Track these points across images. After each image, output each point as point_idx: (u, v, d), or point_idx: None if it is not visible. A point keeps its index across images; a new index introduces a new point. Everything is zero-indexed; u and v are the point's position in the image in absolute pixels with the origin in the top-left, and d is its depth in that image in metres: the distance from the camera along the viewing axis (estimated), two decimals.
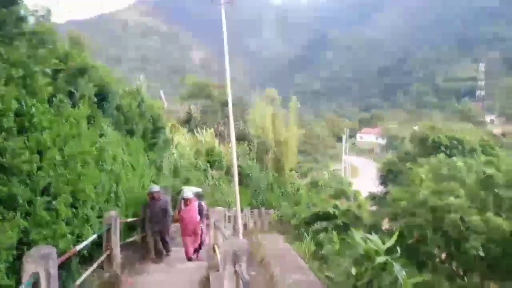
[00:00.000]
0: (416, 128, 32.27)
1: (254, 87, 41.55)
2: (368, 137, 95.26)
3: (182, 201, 8.24)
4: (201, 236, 8.45)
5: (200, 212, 8.25)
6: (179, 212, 8.44)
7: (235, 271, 3.59)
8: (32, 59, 4.05)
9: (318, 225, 14.64)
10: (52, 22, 6.61)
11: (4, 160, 3.30)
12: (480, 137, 25.29)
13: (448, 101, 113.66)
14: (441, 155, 17.73)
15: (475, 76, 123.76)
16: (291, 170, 37.47)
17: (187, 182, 14.44)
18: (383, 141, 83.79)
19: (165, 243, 8.37)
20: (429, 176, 15.79)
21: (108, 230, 6.27)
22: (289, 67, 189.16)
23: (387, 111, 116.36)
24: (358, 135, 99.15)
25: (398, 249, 7.09)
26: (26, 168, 3.81)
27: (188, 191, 8.32)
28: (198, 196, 8.70)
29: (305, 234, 13.25)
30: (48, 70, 4.68)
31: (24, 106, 3.89)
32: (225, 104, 24.51)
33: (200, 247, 8.49)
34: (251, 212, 19.66)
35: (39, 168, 4.15)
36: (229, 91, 9.92)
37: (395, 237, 7.33)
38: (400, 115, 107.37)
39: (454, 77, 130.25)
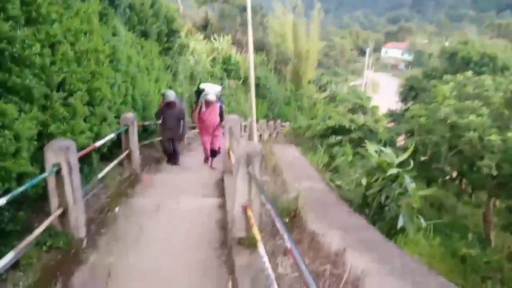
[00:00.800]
0: (447, 43, 30.20)
1: None
2: (394, 51, 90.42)
3: (203, 102, 7.60)
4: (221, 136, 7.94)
5: (221, 114, 7.74)
6: (199, 112, 7.76)
7: (248, 172, 3.66)
8: None
9: (332, 139, 14.75)
10: None
11: (14, 50, 3.20)
12: None
13: (487, 14, 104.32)
14: (469, 72, 16.86)
15: None
16: (309, 83, 36.71)
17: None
18: (409, 57, 79.68)
19: (175, 153, 8.11)
20: (453, 94, 15.24)
21: (126, 131, 6.43)
22: None
23: (417, 24, 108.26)
24: (383, 49, 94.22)
25: (411, 163, 7.15)
26: (39, 61, 3.72)
27: (212, 94, 7.53)
28: (218, 96, 7.90)
29: (319, 146, 13.44)
30: None
31: None
32: (244, 9, 23.03)
33: (217, 151, 8.10)
34: (267, 123, 19.83)
35: (52, 63, 4.05)
36: None
37: (409, 151, 7.35)
38: (431, 29, 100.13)
39: None
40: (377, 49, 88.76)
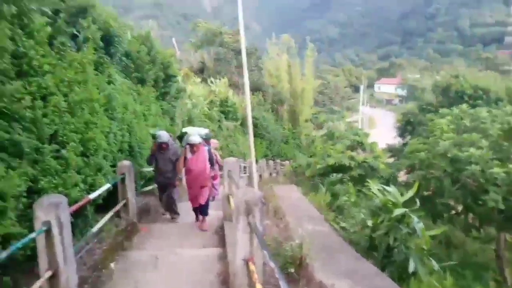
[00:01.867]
0: (438, 77, 30.85)
1: (269, 35, 39.89)
2: (387, 87, 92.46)
3: (187, 147, 6.42)
4: (210, 188, 6.93)
5: (211, 160, 6.58)
6: (184, 161, 6.50)
7: (249, 222, 3.44)
8: None
9: (333, 177, 14.55)
10: None
11: (3, 104, 3.09)
12: (506, 86, 24.03)
13: (473, 48, 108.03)
14: (464, 105, 16.99)
15: (504, 20, 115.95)
16: (306, 121, 37.01)
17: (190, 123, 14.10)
18: (402, 92, 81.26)
19: (171, 202, 7.15)
20: (451, 127, 15.24)
21: (123, 180, 6.23)
22: (304, 12, 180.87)
23: (407, 60, 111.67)
24: (376, 85, 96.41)
25: (417, 201, 6.92)
26: (29, 114, 3.61)
27: (195, 135, 6.44)
28: (207, 139, 6.98)
29: (320, 185, 13.20)
30: (47, 9, 4.31)
31: (21, 47, 3.60)
32: (239, 52, 23.62)
33: (207, 203, 6.74)
34: (267, 163, 19.68)
35: (43, 115, 3.94)
36: (242, 38, 9.34)
37: (414, 189, 7.14)
38: (421, 63, 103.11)
39: (482, 22, 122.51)
40: (370, 85, 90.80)
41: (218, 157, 7.67)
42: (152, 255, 5.02)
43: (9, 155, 3.42)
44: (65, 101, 4.42)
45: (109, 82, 6.61)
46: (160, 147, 6.72)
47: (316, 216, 9.11)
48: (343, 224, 8.20)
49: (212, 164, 6.61)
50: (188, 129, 7.44)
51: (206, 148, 6.56)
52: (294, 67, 35.72)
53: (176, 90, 12.09)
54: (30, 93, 3.67)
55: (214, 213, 7.71)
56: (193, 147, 6.32)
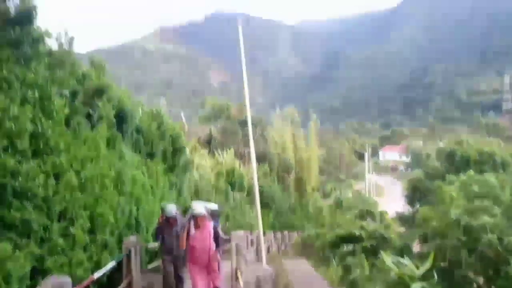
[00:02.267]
0: (441, 143, 31.20)
1: (273, 107, 41.59)
2: (391, 154, 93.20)
3: (192, 221, 5.73)
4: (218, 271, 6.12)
5: (216, 238, 5.82)
6: (187, 237, 5.75)
7: None
8: (49, 80, 3.97)
9: (344, 248, 14.03)
10: (72, 50, 6.66)
11: (17, 184, 3.16)
12: (511, 151, 24.11)
13: (472, 115, 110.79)
14: (471, 171, 16.90)
15: (499, 89, 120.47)
16: (313, 190, 36.75)
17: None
18: (407, 159, 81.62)
19: (180, 281, 6.66)
20: (460, 194, 15.00)
21: (128, 256, 6.06)
22: (306, 86, 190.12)
23: (408, 128, 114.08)
24: (380, 153, 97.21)
25: (435, 274, 6.57)
26: (41, 193, 3.67)
27: (200, 207, 5.78)
28: (213, 215, 6.26)
29: (332, 257, 12.68)
30: (66, 92, 4.61)
31: (39, 128, 3.78)
32: (245, 124, 24.47)
33: None
34: (274, 235, 19.15)
35: (55, 193, 4.00)
36: (248, 110, 9.76)
37: (430, 260, 6.82)
38: (422, 131, 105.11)
39: (477, 90, 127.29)
40: (374, 153, 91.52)
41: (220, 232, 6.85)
42: None
43: (17, 234, 3.40)
44: (76, 177, 4.51)
45: (120, 158, 6.77)
46: (168, 221, 6.30)
47: None
48: None
49: (217, 244, 5.67)
50: (195, 203, 6.66)
51: (211, 224, 5.71)
52: (299, 137, 36.54)
53: (184, 162, 12.27)
54: (44, 172, 3.77)
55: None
56: (197, 220, 5.54)
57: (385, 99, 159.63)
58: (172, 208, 6.38)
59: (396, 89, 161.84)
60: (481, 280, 14.00)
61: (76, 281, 3.99)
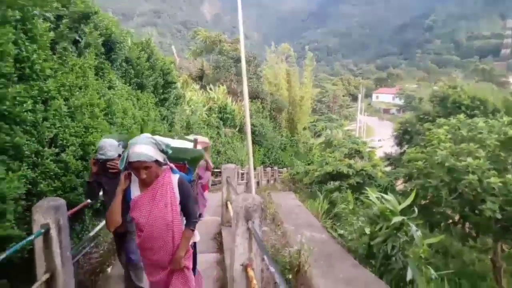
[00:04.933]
0: (436, 87, 31.07)
1: (268, 44, 40.21)
2: (385, 97, 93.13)
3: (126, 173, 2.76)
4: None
5: (185, 206, 2.79)
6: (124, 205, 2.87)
7: (248, 228, 3.45)
8: (31, 1, 3.72)
9: (331, 185, 14.57)
10: None
11: (5, 108, 3.11)
12: (503, 97, 24.21)
13: (470, 59, 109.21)
14: (461, 116, 17.10)
15: (501, 33, 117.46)
16: (304, 129, 37.13)
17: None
18: (400, 101, 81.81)
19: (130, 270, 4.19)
20: (448, 137, 15.32)
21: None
22: (304, 22, 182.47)
23: (405, 70, 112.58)
24: (374, 95, 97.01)
25: (416, 209, 6.95)
26: (30, 118, 3.63)
27: (145, 142, 2.59)
28: (188, 162, 3.46)
29: (318, 193, 13.20)
30: (49, 15, 4.35)
31: (24, 52, 3.63)
32: (238, 60, 23.85)
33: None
34: (264, 170, 19.68)
35: (44, 119, 3.97)
36: (242, 46, 9.42)
37: (411, 197, 7.16)
38: (419, 74, 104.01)
39: (478, 34, 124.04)
40: (368, 95, 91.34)
41: (210, 162, 6.21)
42: None
43: (10, 158, 3.43)
44: (65, 105, 4.45)
45: (109, 87, 6.64)
46: (106, 169, 3.67)
47: (314, 224, 9.11)
48: (340, 232, 8.20)
49: (188, 218, 2.82)
50: (138, 140, 2.84)
51: (176, 177, 2.75)
52: (293, 75, 35.95)
53: (175, 96, 12.12)
54: (31, 97, 3.70)
55: (211, 218, 7.72)
56: (140, 171, 2.55)
57: (384, 40, 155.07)
58: (111, 145, 3.66)
59: (396, 30, 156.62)
60: (457, 217, 14.87)
61: (70, 205, 4.13)
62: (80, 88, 5.02)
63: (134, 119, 7.82)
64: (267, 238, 6.64)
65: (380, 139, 44.06)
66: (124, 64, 8.21)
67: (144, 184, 2.60)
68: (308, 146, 34.20)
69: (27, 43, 3.74)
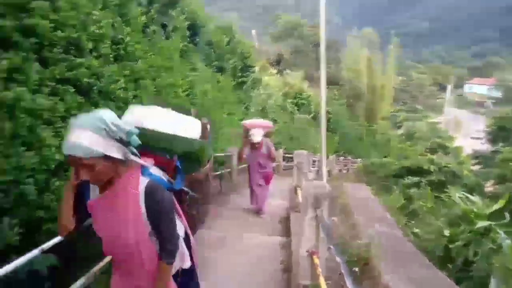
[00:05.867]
0: None
1: (350, 28, 38.57)
2: (479, 88, 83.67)
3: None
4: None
5: (157, 222, 1.75)
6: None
7: (316, 216, 3.42)
8: None
9: (409, 180, 13.72)
10: None
11: (101, 85, 3.45)
12: None
13: None
14: None
15: None
16: (383, 119, 35.27)
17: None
18: (497, 94, 72.99)
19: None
20: None
21: None
22: (390, 5, 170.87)
23: (506, 59, 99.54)
24: (466, 86, 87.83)
25: (507, 215, 6.24)
26: (123, 95, 3.98)
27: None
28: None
29: (394, 187, 12.54)
30: (143, 0, 4.69)
31: (120, 34, 3.97)
32: (317, 45, 23.25)
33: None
34: (337, 159, 19.23)
35: (134, 96, 4.33)
36: (322, 30, 9.14)
37: (503, 201, 6.45)
38: None
39: None
40: (460, 85, 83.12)
41: (273, 149, 6.15)
42: (220, 236, 5.25)
43: None
44: (153, 85, 4.80)
45: (192, 69, 6.99)
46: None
47: (386, 219, 8.69)
48: (416, 230, 7.72)
49: (160, 240, 1.73)
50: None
51: (144, 182, 1.64)
52: (375, 62, 34.14)
53: (252, 80, 12.36)
54: (124, 76, 4.05)
55: (280, 202, 7.80)
56: (79, 171, 1.52)
57: (481, 23, 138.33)
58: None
59: (496, 13, 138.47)
60: None
61: None
62: (166, 69, 5.36)
63: (213, 100, 8.15)
64: (335, 228, 6.53)
65: (477, 136, 39.89)
66: (206, 47, 8.56)
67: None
68: (386, 137, 32.45)
69: (123, 26, 4.09)
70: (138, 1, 4.60)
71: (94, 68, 3.36)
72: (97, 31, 3.42)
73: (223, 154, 8.70)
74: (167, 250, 1.72)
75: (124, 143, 1.53)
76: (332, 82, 26.19)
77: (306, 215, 3.52)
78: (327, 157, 15.29)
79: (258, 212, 6.46)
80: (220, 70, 9.64)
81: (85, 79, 3.20)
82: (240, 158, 6.17)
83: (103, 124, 1.42)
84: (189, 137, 1.86)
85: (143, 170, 1.68)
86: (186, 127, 1.91)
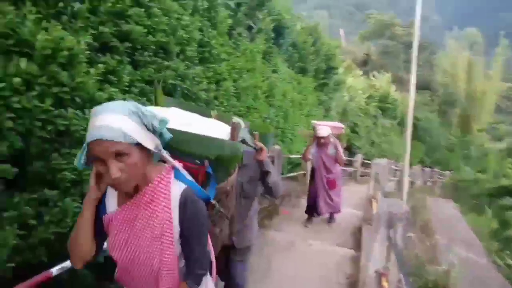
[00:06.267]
0: None
1: (450, 28, 35.24)
2: None
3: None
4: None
5: (190, 224, 1.61)
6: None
7: (389, 236, 3.21)
8: None
9: (506, 201, 12.17)
10: None
11: (185, 86, 3.66)
12: None
13: None
14: None
15: None
16: (481, 130, 31.70)
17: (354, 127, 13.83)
18: None
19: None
20: None
21: (271, 162, 6.64)
22: (502, 1, 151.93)
23: None
24: None
25: None
26: (204, 96, 4.17)
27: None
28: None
29: (487, 207, 11.23)
30: (231, 3, 4.86)
31: (206, 38, 4.16)
32: (409, 46, 21.72)
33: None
34: (422, 170, 17.84)
35: (215, 97, 4.51)
36: (416, 29, 8.48)
37: None
38: None
39: None
40: None
41: (340, 151, 5.57)
42: (287, 239, 5.25)
43: None
44: (233, 86, 4.95)
45: (273, 71, 7.05)
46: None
47: (473, 243, 7.83)
48: (510, 262, 6.82)
49: (188, 260, 1.42)
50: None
51: (180, 188, 1.35)
52: (476, 65, 30.79)
53: (335, 82, 12.04)
54: (207, 78, 4.24)
55: (353, 211, 7.51)
56: (109, 163, 1.18)
57: None
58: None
59: None
60: None
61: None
62: (248, 71, 5.49)
63: (292, 101, 8.14)
64: (411, 247, 6.07)
65: None
66: (290, 48, 8.55)
67: (124, 194, 1.35)
68: (483, 151, 29.13)
69: (209, 30, 4.28)
70: (226, 4, 4.77)
71: (180, 70, 3.57)
72: (185, 35, 3.63)
73: (299, 156, 8.65)
74: (195, 274, 1.41)
75: (155, 133, 1.25)
76: (423, 86, 24.35)
77: (377, 234, 3.34)
78: (411, 167, 14.27)
79: (328, 221, 6.21)
80: (303, 71, 9.56)
81: (171, 81, 3.42)
82: (304, 157, 5.68)
83: (136, 108, 1.19)
84: (220, 138, 1.53)
85: (176, 173, 1.36)
86: (213, 127, 1.64)
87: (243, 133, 1.89)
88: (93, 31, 2.61)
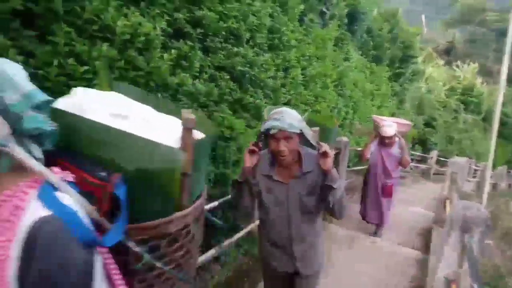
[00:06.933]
0: None
1: None
2: None
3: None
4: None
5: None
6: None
7: (462, 241, 2.93)
8: None
9: None
10: None
11: (253, 73, 3.67)
12: None
13: None
14: None
15: None
16: None
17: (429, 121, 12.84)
18: None
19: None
20: None
21: (337, 154, 6.45)
22: None
23: None
24: None
25: None
26: (271, 84, 4.16)
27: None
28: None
29: None
30: None
31: (276, 24, 4.11)
32: (502, 34, 19.38)
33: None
34: (508, 172, 16.07)
35: (282, 85, 4.47)
36: None
37: None
38: None
39: None
40: None
41: (407, 153, 4.74)
42: (348, 234, 5.10)
43: (251, 116, 4.08)
44: (302, 74, 4.86)
45: (345, 59, 6.78)
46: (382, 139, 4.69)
47: None
48: None
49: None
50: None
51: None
52: None
53: (412, 71, 11.24)
54: (275, 65, 4.21)
55: (422, 211, 7.05)
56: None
57: None
58: (292, 113, 2.49)
59: None
60: None
61: None
62: (318, 59, 5.34)
63: (363, 91, 7.78)
64: (489, 255, 5.54)
65: None
66: (364, 35, 8.15)
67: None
68: None
69: (280, 15, 4.22)
70: None
71: (248, 57, 3.59)
72: (256, 21, 3.62)
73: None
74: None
75: (10, 118, 0.74)
76: None
77: (449, 238, 3.07)
78: (495, 168, 12.92)
79: (374, 232, 5.33)
80: (377, 59, 9.06)
81: (239, 67, 3.45)
82: (362, 157, 5.00)
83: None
84: (158, 141, 1.00)
85: (44, 188, 0.80)
86: (162, 127, 1.12)
87: (303, 127, 1.55)
88: (168, 17, 2.72)
